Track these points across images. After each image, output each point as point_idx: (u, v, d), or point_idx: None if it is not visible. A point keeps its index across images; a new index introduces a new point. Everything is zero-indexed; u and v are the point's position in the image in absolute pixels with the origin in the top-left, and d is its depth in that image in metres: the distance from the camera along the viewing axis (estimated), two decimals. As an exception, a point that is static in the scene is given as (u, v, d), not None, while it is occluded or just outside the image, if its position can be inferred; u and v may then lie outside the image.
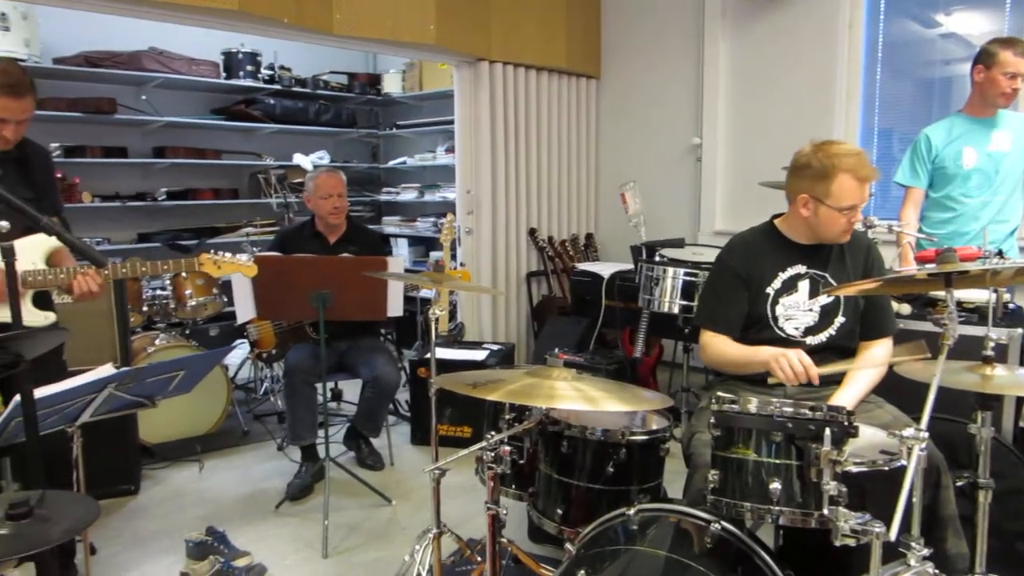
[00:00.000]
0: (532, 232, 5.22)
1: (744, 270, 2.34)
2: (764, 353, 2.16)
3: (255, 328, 3.79)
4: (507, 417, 2.37)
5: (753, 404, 1.63)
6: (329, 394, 3.94)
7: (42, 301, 2.54)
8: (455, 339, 4.55)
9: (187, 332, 4.30)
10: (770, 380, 2.16)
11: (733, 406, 1.65)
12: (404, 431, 4.21)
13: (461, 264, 4.83)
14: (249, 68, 5.77)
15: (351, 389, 4.51)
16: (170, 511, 3.30)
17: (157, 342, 3.84)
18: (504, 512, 2.08)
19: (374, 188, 6.93)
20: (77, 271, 2.44)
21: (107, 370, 2.00)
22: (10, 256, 1.35)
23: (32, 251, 2.46)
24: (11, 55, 4.62)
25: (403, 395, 4.32)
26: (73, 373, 2.03)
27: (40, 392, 1.75)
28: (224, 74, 5.72)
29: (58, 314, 2.56)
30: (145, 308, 4.06)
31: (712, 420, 1.69)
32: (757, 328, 2.33)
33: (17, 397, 1.74)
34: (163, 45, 5.40)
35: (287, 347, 3.65)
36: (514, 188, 5.06)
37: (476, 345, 4.33)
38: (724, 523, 1.71)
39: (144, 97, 5.48)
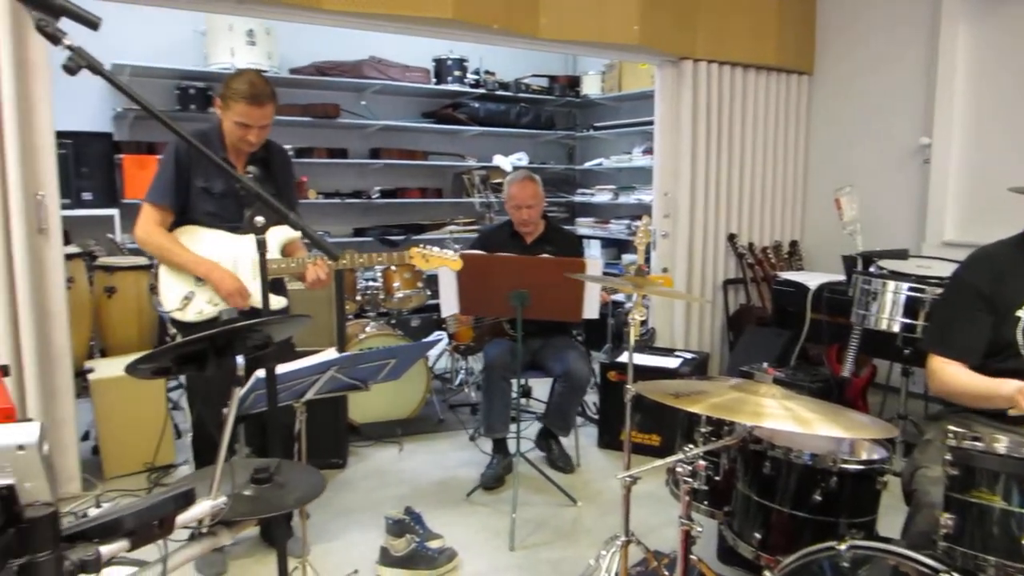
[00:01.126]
0: (731, 238, 5.00)
1: (988, 289, 2.07)
2: (1009, 386, 1.89)
3: (454, 322, 3.97)
4: (703, 430, 2.29)
5: (1003, 444, 1.43)
6: (520, 390, 4.03)
7: (277, 287, 2.84)
8: (646, 344, 4.47)
9: (392, 322, 4.60)
10: (1011, 412, 1.89)
11: (976, 443, 1.46)
12: (591, 433, 4.20)
13: (664, 269, 4.73)
14: (457, 73, 6.06)
15: (541, 388, 4.59)
16: (372, 487, 3.54)
17: (367, 329, 4.14)
18: (699, 529, 2.00)
19: (569, 189, 7.00)
20: (308, 261, 2.70)
21: (331, 354, 2.17)
22: (263, 248, 1.50)
23: (270, 242, 2.76)
24: (256, 66, 5.21)
25: (591, 398, 4.32)
26: (300, 355, 2.24)
27: (276, 370, 1.95)
28: (434, 79, 6.06)
29: (289, 300, 2.85)
30: (358, 298, 4.40)
31: (948, 457, 1.50)
32: (1002, 356, 2.05)
33: (258, 373, 1.95)
34: (381, 54, 5.82)
35: (484, 342, 3.79)
36: (714, 191, 4.87)
37: (668, 352, 4.23)
38: (957, 575, 1.52)
39: (364, 103, 5.95)
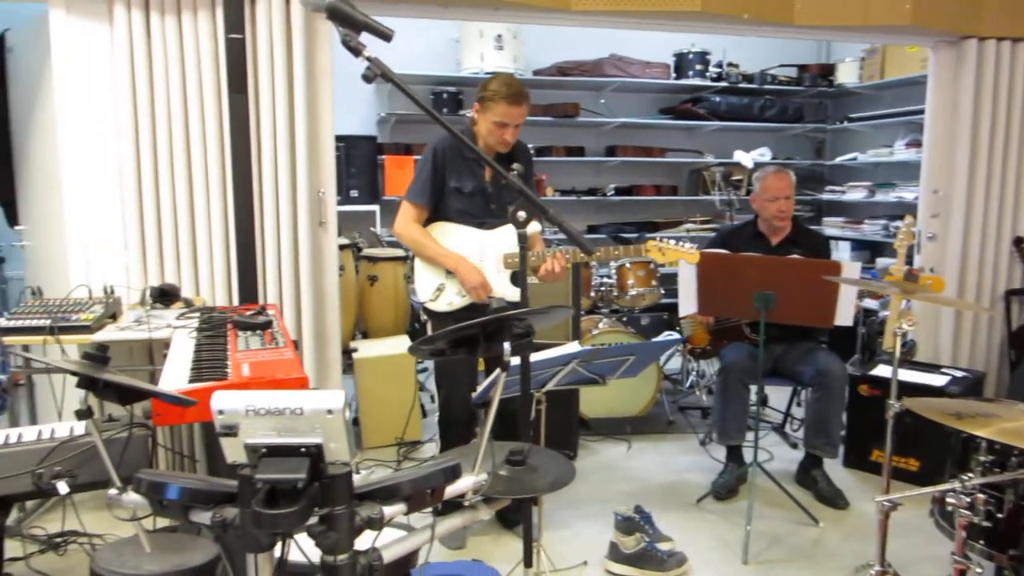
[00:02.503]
0: (1018, 242, 4.33)
1: None
2: None
3: (688, 323, 3.86)
4: (983, 459, 2.00)
5: None
6: (755, 398, 3.82)
7: (514, 279, 2.96)
8: (905, 358, 4.03)
9: (624, 319, 4.60)
10: None
11: None
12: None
13: (930, 270, 4.23)
14: (698, 67, 5.89)
15: (778, 396, 4.33)
16: (601, 481, 3.57)
17: (600, 325, 4.18)
18: (979, 571, 1.76)
19: (816, 186, 6.52)
20: (546, 254, 2.79)
21: (573, 347, 2.22)
22: (524, 241, 1.57)
23: (513, 236, 2.89)
24: (503, 69, 5.47)
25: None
26: (537, 348, 2.31)
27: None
28: (674, 74, 5.94)
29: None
30: (592, 293, 4.45)
31: None
32: None
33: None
34: (622, 51, 5.82)
35: (720, 344, 3.65)
36: (998, 188, 4.25)
37: (933, 368, 3.78)
38: None
39: (603, 100, 6.00)
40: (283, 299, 3.43)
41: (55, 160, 3.33)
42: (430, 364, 4.49)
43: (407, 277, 4.40)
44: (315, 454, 1.02)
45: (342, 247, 4.13)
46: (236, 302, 3.35)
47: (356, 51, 1.32)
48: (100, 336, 2.86)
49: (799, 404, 4.20)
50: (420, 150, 5.62)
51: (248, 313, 2.41)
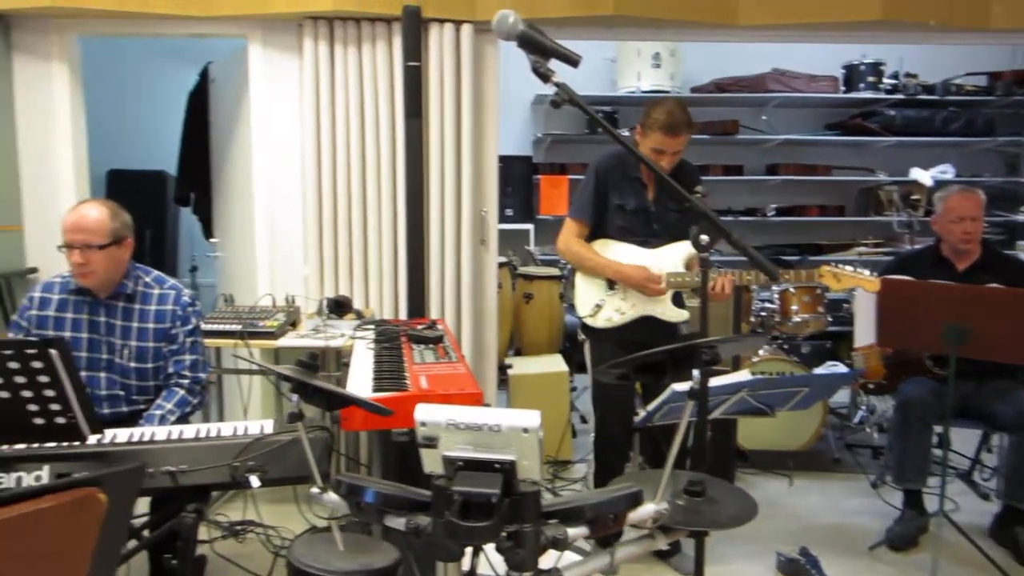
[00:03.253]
0: None
1: None
2: None
3: (861, 356, 3.60)
4: None
5: None
6: (940, 439, 3.49)
7: (677, 301, 2.90)
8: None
9: (785, 346, 4.37)
10: None
11: None
12: None
13: None
14: (870, 79, 5.54)
15: (961, 440, 3.95)
16: (761, 518, 3.33)
17: (761, 352, 3.99)
18: None
19: (1009, 206, 5.90)
20: (715, 275, 2.70)
21: (743, 375, 2.13)
22: (706, 265, 1.53)
23: (676, 256, 2.83)
24: (659, 88, 5.40)
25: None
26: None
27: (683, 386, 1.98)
28: (843, 88, 5.62)
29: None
30: (753, 319, 4.26)
31: None
32: None
33: (674, 387, 1.99)
34: (785, 65, 5.58)
35: (898, 379, 3.37)
36: None
37: None
38: None
39: (764, 117, 5.77)
40: (444, 314, 3.55)
41: (248, 181, 3.66)
42: (580, 383, 4.48)
43: (562, 296, 4.43)
44: (508, 471, 1.03)
45: (500, 265, 4.22)
46: (402, 315, 3.51)
47: (545, 77, 1.35)
48: (282, 342, 3.09)
49: (989, 450, 3.80)
50: (575, 170, 5.71)
51: (420, 327, 2.51)
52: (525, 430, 0.99)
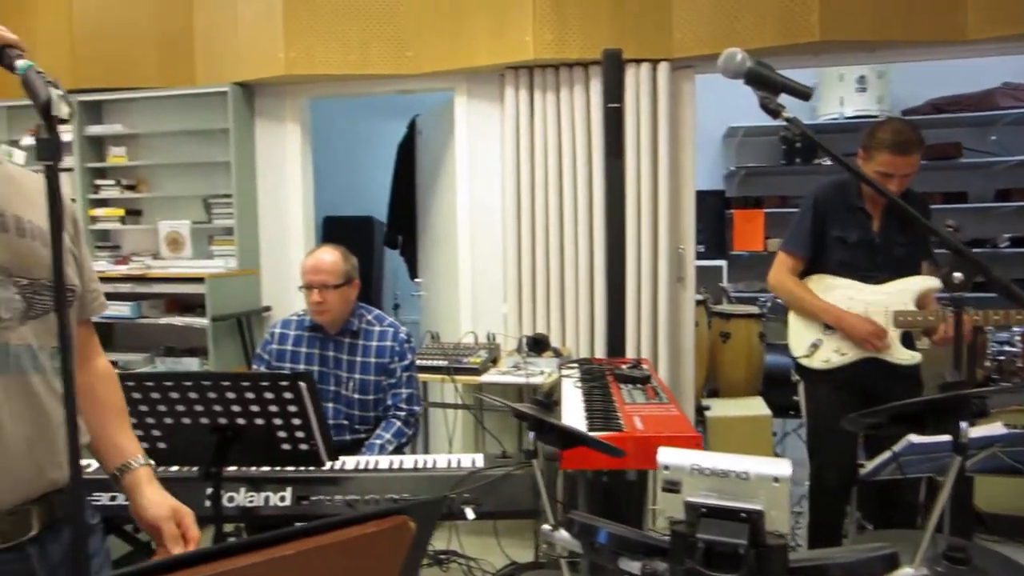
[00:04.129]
0: None
1: None
2: None
3: None
4: None
5: None
6: None
7: (906, 341, 2.64)
8: None
9: (1029, 394, 3.83)
10: None
11: None
12: None
13: None
14: None
15: None
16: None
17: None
18: None
19: None
20: (943, 314, 2.44)
21: (996, 428, 1.89)
22: (959, 305, 1.38)
23: (905, 293, 2.59)
24: (865, 113, 5.05)
25: None
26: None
27: (922, 438, 1.78)
28: (1092, 101, 4.93)
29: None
30: (987, 363, 3.80)
31: None
32: None
33: (910, 438, 1.80)
34: (1019, 78, 5.01)
35: None
36: None
37: None
38: None
39: (993, 137, 5.20)
40: (640, 353, 3.50)
41: (452, 223, 3.87)
42: (781, 428, 4.21)
43: (762, 335, 4.22)
44: (756, 521, 0.98)
45: (696, 303, 4.10)
46: (598, 353, 3.51)
47: (776, 113, 1.30)
48: (485, 378, 3.20)
49: None
50: (772, 203, 5.47)
51: (625, 367, 2.49)
52: (776, 479, 0.94)
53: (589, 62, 3.43)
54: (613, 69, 2.85)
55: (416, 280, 4.76)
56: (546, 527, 1.20)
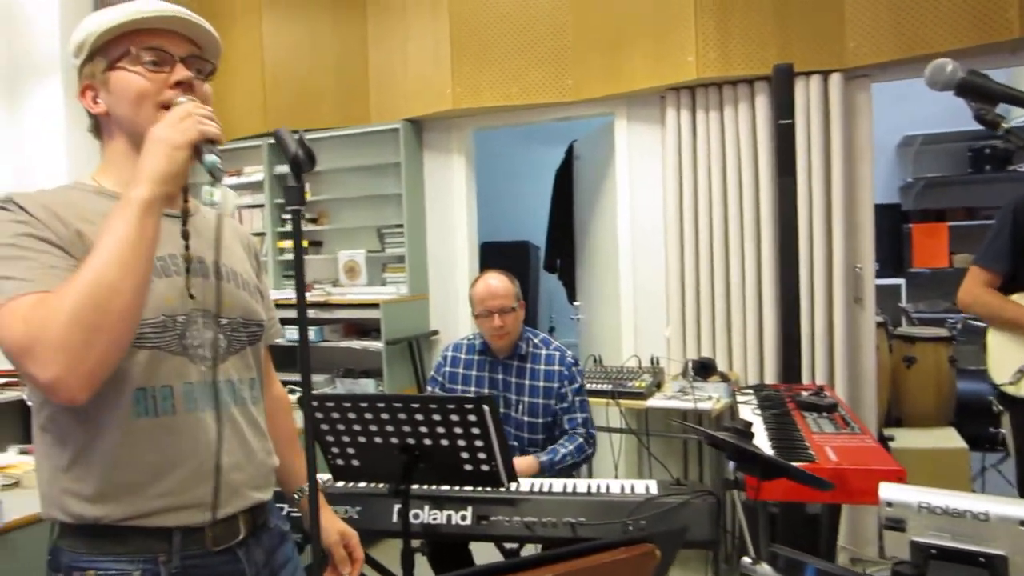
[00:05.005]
0: None
1: None
2: None
3: None
4: None
5: None
6: None
7: None
8: None
9: None
10: None
11: None
12: None
13: None
14: None
15: None
16: None
17: None
18: None
19: None
20: None
21: None
22: None
23: None
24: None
25: None
26: None
27: None
28: None
29: None
30: None
31: None
32: None
33: None
34: None
35: None
36: None
37: None
38: None
39: None
40: (814, 378, 3.32)
41: (613, 246, 3.87)
42: (978, 462, 3.83)
43: (952, 360, 3.87)
44: (997, 567, 0.90)
45: (877, 325, 3.84)
46: (767, 379, 3.37)
47: (994, 124, 1.20)
48: (650, 403, 3.16)
49: None
50: (956, 215, 5.03)
51: (806, 393, 2.37)
52: (1022, 523, 0.86)
53: (754, 78, 3.34)
54: (784, 84, 2.75)
55: (575, 303, 4.79)
56: (747, 560, 1.16)
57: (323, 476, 2.34)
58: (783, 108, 2.71)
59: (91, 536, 1.05)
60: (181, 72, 1.10)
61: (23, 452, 2.52)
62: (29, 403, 1.10)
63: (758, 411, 2.37)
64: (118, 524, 1.04)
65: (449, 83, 3.88)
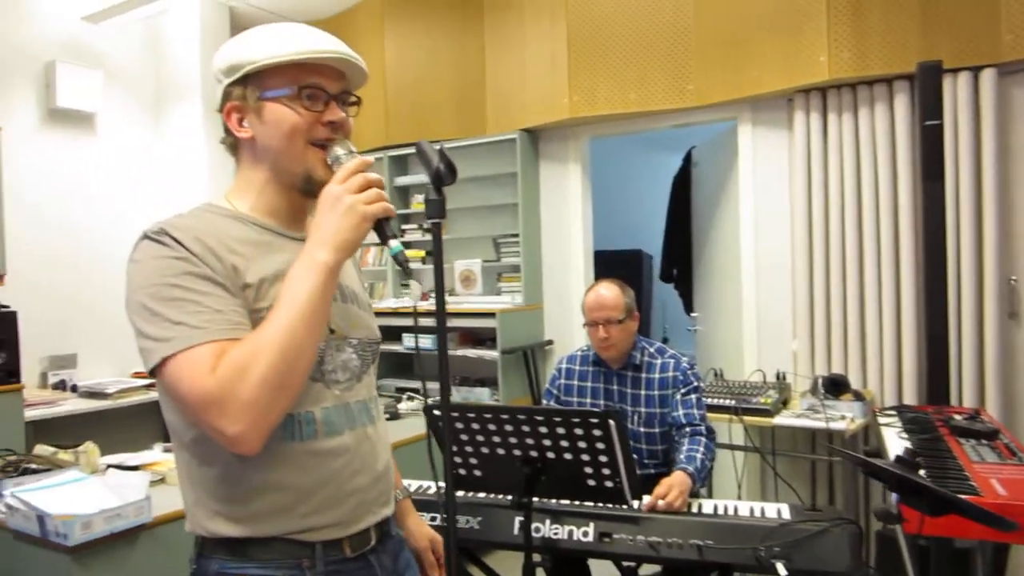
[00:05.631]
0: None
1: None
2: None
3: None
4: None
5: None
6: None
7: None
8: None
9: None
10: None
11: None
12: None
13: None
14: None
15: None
16: None
17: None
18: None
19: None
20: None
21: None
22: None
23: None
24: None
25: None
26: None
27: None
28: None
29: None
30: None
31: None
32: None
33: None
34: None
35: None
36: None
37: None
38: None
39: None
40: (962, 400, 3.06)
41: (735, 256, 3.73)
42: None
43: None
44: None
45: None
46: (907, 399, 3.14)
47: None
48: (777, 421, 3.00)
49: None
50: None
51: (960, 417, 2.18)
52: None
53: (893, 77, 3.13)
54: (931, 83, 2.55)
55: (691, 314, 4.65)
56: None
57: (424, 483, 2.38)
58: (930, 108, 2.51)
59: (237, 543, 1.09)
60: (335, 113, 1.10)
61: (167, 450, 2.65)
62: (168, 420, 1.12)
63: (904, 435, 2.19)
64: (263, 537, 1.09)
65: (566, 92, 3.86)
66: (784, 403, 3.18)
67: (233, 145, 1.16)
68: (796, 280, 3.45)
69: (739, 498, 3.04)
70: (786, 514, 2.03)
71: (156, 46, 4.57)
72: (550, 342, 4.29)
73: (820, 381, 3.13)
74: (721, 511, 2.09)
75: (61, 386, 3.97)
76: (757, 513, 2.06)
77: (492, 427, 1.91)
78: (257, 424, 0.96)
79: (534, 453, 1.90)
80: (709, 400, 3.07)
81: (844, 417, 2.89)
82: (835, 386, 3.10)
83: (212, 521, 1.08)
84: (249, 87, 1.10)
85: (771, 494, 3.45)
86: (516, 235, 4.19)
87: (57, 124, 4.11)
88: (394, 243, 1.02)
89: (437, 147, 1.02)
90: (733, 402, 3.07)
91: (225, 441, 0.97)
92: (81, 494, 1.93)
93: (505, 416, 1.88)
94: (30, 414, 3.49)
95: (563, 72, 3.87)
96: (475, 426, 1.93)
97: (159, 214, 1.15)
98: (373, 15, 4.43)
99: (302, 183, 1.10)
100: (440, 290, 1.00)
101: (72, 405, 3.72)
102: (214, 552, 1.10)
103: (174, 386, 0.98)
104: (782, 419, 3.00)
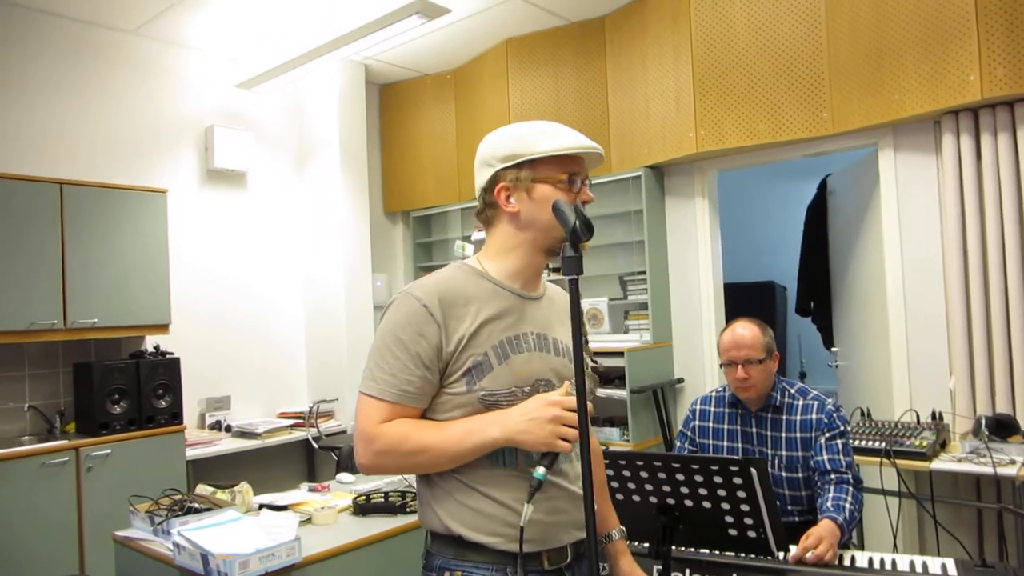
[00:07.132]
0: None
1: None
2: None
3: None
4: None
5: None
6: None
7: None
8: None
9: None
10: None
11: None
12: None
13: None
14: None
15: None
16: None
17: None
18: None
19: None
20: None
21: None
22: None
23: None
24: None
25: None
26: None
27: None
28: None
29: None
30: None
31: None
32: None
33: None
34: None
35: None
36: None
37: None
38: None
39: None
40: None
41: (880, 288, 3.51)
42: None
43: None
44: None
45: None
46: (1091, 443, 2.82)
47: None
48: (935, 465, 2.78)
49: None
50: None
51: None
52: None
53: (1057, 91, 2.88)
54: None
55: (832, 349, 4.41)
56: None
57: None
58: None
59: (457, 546, 1.33)
60: (587, 195, 1.39)
61: (312, 490, 2.76)
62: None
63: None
64: (476, 541, 1.31)
65: (692, 127, 3.81)
66: (942, 446, 2.94)
67: (488, 217, 1.42)
68: (951, 314, 3.20)
69: (895, 549, 2.83)
70: (952, 570, 1.87)
71: (298, 104, 4.94)
72: (680, 380, 4.19)
73: (984, 421, 2.88)
74: (877, 564, 1.95)
75: (217, 426, 4.28)
76: (919, 568, 1.91)
77: (627, 473, 1.89)
78: (375, 472, 1.32)
79: (671, 500, 1.86)
80: (856, 442, 2.89)
81: (1014, 462, 2.64)
82: (1001, 427, 2.85)
83: (436, 519, 1.35)
84: (524, 171, 1.34)
85: (931, 546, 3.18)
86: (643, 272, 4.15)
87: (214, 183, 4.51)
88: (539, 471, 1.23)
89: (573, 206, 1.04)
90: (883, 444, 2.87)
91: (355, 458, 1.33)
92: (238, 534, 2.05)
93: (640, 462, 1.86)
94: (190, 453, 3.79)
95: (688, 107, 3.83)
96: (609, 472, 1.91)
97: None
98: (498, 62, 4.57)
99: (559, 246, 1.35)
100: (578, 345, 1.01)
101: (226, 445, 4.01)
102: (438, 548, 1.35)
103: (357, 409, 1.34)
104: (941, 463, 2.77)
